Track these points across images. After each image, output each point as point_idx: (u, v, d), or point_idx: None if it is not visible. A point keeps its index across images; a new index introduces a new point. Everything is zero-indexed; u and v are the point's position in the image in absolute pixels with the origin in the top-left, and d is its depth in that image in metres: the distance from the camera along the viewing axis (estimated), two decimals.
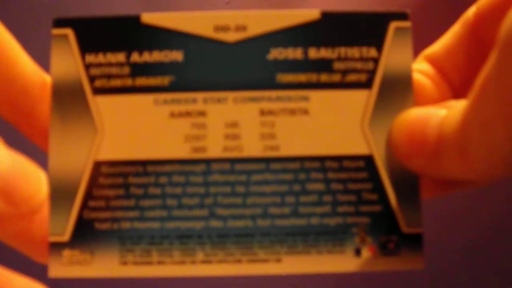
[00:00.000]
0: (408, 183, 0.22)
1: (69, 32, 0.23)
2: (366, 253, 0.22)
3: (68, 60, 0.23)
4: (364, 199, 0.22)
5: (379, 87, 0.23)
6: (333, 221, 0.22)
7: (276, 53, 0.23)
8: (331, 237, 0.22)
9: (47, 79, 0.23)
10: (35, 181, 0.20)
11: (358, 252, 0.22)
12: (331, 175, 0.22)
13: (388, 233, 0.22)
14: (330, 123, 0.23)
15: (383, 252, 0.22)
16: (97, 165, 0.22)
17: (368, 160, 0.22)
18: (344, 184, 0.22)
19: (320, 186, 0.22)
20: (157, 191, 0.22)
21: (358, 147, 0.23)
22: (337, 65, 0.23)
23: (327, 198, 0.22)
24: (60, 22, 0.23)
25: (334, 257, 0.22)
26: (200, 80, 0.23)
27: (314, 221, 0.22)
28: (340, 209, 0.22)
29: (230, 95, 0.23)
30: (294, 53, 0.23)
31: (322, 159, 0.22)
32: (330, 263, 0.22)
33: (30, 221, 0.21)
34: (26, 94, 0.22)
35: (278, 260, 0.22)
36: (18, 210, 0.20)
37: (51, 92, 0.23)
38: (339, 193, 0.22)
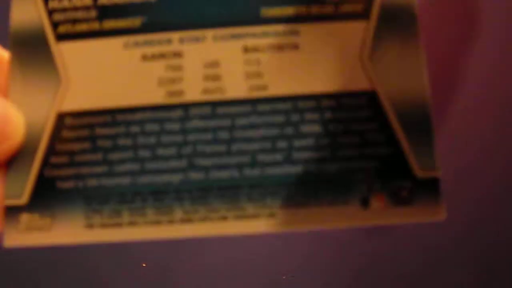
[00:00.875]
0: (419, 120, 0.19)
1: None
2: (374, 203, 0.19)
3: (29, 6, 0.21)
4: (369, 140, 0.19)
5: (378, 17, 0.20)
6: (333, 167, 0.19)
7: None
8: (332, 185, 0.19)
9: (4, 55, 0.21)
10: (14, 122, 0.20)
11: (365, 202, 0.19)
12: (328, 115, 0.20)
13: (400, 179, 0.19)
14: (324, 58, 0.20)
15: (395, 201, 0.19)
16: (61, 116, 0.20)
17: (371, 96, 0.20)
18: (344, 125, 0.20)
19: (316, 128, 0.20)
20: (128, 142, 0.20)
21: (358, 83, 0.20)
22: None
23: (325, 140, 0.19)
24: None
25: (337, 209, 0.19)
26: (175, 20, 0.21)
27: (311, 167, 0.19)
28: (341, 152, 0.19)
29: (209, 33, 0.20)
30: None
31: (317, 97, 0.20)
32: (332, 216, 0.19)
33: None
34: None
35: (271, 215, 0.19)
36: None
37: (10, 41, 0.21)
38: (339, 134, 0.19)
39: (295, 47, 0.20)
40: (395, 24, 0.20)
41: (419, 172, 0.19)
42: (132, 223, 0.19)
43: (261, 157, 0.19)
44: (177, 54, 0.20)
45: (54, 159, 0.20)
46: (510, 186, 0.63)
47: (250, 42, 0.20)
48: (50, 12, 0.21)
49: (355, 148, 0.19)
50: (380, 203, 0.19)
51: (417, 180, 0.19)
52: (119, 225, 0.19)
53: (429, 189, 0.19)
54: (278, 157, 0.19)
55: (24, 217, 0.19)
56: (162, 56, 0.20)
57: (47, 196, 0.19)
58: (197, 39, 0.20)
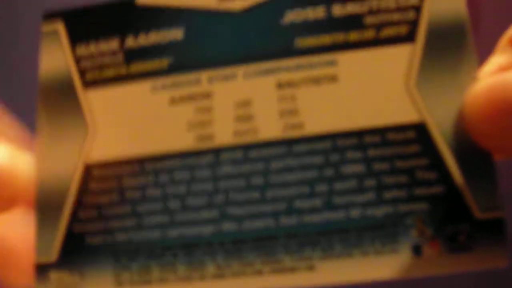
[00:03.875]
0: (477, 153, 0.18)
1: (59, 26, 0.22)
2: (428, 250, 0.18)
3: (58, 55, 0.22)
4: (419, 180, 0.18)
5: (425, 38, 0.19)
6: (379, 212, 0.18)
7: (292, 16, 0.20)
8: (378, 232, 0.18)
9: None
10: (21, 167, 0.20)
11: (417, 250, 0.18)
12: (372, 152, 0.19)
13: (456, 222, 0.18)
14: (365, 89, 0.19)
15: (452, 248, 0.18)
16: (88, 168, 0.20)
17: (420, 129, 0.19)
18: (390, 163, 0.19)
19: (359, 168, 0.19)
20: (157, 192, 0.20)
21: (405, 114, 0.19)
22: (369, 20, 0.20)
23: (370, 182, 0.19)
24: (50, 16, 0.22)
25: (385, 259, 0.18)
26: (203, 58, 0.21)
27: (355, 213, 0.19)
28: (388, 194, 0.18)
29: (240, 70, 0.20)
30: (315, 13, 0.20)
31: (359, 133, 0.19)
32: (380, 267, 0.18)
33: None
34: None
35: (311, 268, 0.18)
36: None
37: (38, 91, 0.21)
38: (384, 174, 0.19)
39: (333, 79, 0.20)
40: (445, 45, 0.19)
41: (478, 214, 0.18)
42: (162, 280, 0.19)
43: (299, 204, 0.19)
44: (207, 95, 0.20)
45: (82, 213, 0.20)
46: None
47: (284, 76, 0.20)
48: (78, 60, 0.21)
49: (404, 189, 0.18)
50: (434, 251, 0.18)
51: (476, 223, 0.18)
52: (148, 282, 0.19)
53: (490, 232, 0.18)
54: (317, 202, 0.19)
55: (54, 275, 0.20)
56: (190, 98, 0.20)
57: (76, 252, 0.20)
58: (227, 78, 0.20)
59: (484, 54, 0.21)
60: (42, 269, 0.20)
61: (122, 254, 0.20)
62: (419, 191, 0.18)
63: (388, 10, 0.20)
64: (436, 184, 0.18)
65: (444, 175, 0.18)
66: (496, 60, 0.20)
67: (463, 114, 0.18)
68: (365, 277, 0.18)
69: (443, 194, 0.18)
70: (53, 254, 0.20)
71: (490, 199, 0.18)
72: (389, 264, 0.18)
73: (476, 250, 0.18)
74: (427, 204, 0.18)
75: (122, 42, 0.21)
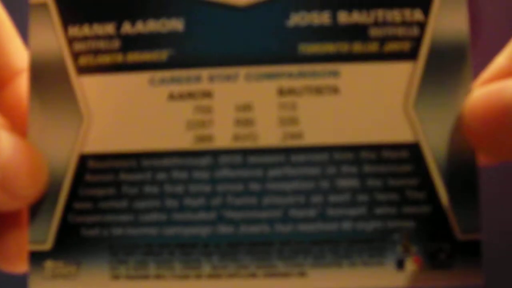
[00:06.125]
0: (464, 177, 0.20)
1: (49, 0, 0.21)
2: (410, 265, 0.20)
3: (48, 33, 0.21)
4: (408, 198, 0.20)
5: (427, 58, 0.20)
6: (369, 226, 0.20)
7: (297, 19, 0.21)
8: (367, 245, 0.20)
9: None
10: (41, 164, 0.20)
11: (400, 264, 0.20)
12: (367, 168, 0.20)
13: (439, 241, 0.20)
14: (365, 104, 0.20)
15: (432, 264, 0.20)
16: (83, 158, 0.21)
17: (414, 149, 0.20)
18: (383, 180, 0.20)
19: (353, 183, 0.20)
20: (154, 190, 0.21)
21: (400, 134, 0.20)
22: (374, 32, 0.20)
23: (363, 197, 0.20)
24: None
25: (371, 271, 0.20)
26: (204, 54, 0.21)
27: (346, 226, 0.20)
28: (379, 210, 0.20)
29: (242, 71, 0.21)
30: (320, 18, 0.21)
31: (356, 148, 0.20)
32: (365, 277, 0.20)
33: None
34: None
35: (302, 274, 0.20)
36: (16, 202, 0.20)
37: (29, 73, 0.21)
38: (377, 191, 0.20)
39: (335, 90, 0.20)
40: (445, 65, 0.20)
41: (460, 235, 0.20)
42: (159, 276, 0.20)
43: (294, 213, 0.20)
44: (207, 94, 0.21)
45: (77, 205, 0.21)
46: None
47: (286, 83, 0.20)
48: (70, 41, 0.21)
49: (394, 206, 0.20)
50: (416, 266, 0.20)
51: (457, 243, 0.20)
52: (145, 277, 0.20)
53: (469, 253, 0.20)
54: (312, 213, 0.20)
55: (49, 264, 0.21)
56: (190, 95, 0.21)
57: (71, 243, 0.21)
58: (228, 78, 0.21)
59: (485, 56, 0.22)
60: (37, 257, 0.21)
61: (119, 248, 0.21)
62: (408, 209, 0.20)
63: (393, 24, 0.20)
64: (423, 204, 0.20)
65: (432, 196, 0.20)
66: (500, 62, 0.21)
67: (460, 123, 0.20)
68: (352, 286, 0.20)
69: (429, 214, 0.20)
70: (48, 242, 0.21)
71: (472, 221, 0.20)
72: (375, 275, 0.20)
73: (455, 268, 0.20)
74: (414, 223, 0.20)
75: (118, 27, 0.21)
